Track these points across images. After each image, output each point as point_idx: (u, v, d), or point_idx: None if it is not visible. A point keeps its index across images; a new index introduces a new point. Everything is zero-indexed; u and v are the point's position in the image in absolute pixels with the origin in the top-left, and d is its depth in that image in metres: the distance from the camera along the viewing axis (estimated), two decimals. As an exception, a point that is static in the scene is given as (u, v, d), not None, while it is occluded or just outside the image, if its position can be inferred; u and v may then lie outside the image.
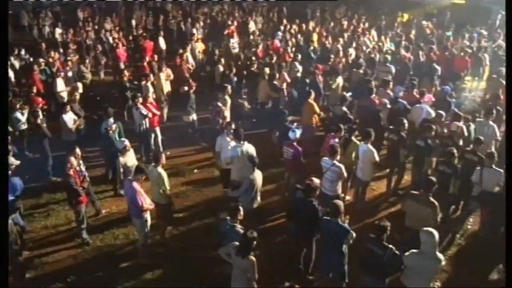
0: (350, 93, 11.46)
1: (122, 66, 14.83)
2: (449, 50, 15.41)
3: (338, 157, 7.91)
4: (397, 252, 5.67)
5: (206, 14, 22.40)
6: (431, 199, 6.78)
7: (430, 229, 5.56)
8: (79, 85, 12.22)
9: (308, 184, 6.80)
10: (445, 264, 7.17)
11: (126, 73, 12.86)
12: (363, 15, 22.28)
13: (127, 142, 8.58)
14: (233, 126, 8.82)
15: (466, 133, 9.35)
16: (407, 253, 5.62)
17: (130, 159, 8.56)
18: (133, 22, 20.72)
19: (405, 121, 9.07)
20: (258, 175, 7.52)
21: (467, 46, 16.27)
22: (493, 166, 7.79)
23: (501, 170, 7.70)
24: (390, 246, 5.68)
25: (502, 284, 6.16)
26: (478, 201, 8.02)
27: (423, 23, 20.53)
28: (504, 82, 12.50)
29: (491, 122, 9.50)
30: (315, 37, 17.27)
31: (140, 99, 10.34)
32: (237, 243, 5.67)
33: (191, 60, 14.64)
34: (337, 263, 6.32)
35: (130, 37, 17.95)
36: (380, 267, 5.80)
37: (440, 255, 5.54)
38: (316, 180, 6.97)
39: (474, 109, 11.07)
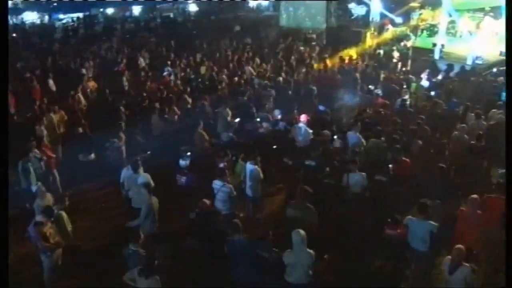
0: (238, 119, 12.50)
1: (12, 111, 14.72)
2: (328, 71, 16.99)
3: (228, 179, 8.83)
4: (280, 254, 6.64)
5: (95, 52, 22.52)
6: (308, 204, 7.88)
7: (297, 230, 6.61)
8: None
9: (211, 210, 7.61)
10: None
11: (16, 118, 12.86)
12: (247, 44, 23.57)
13: (40, 184, 8.92)
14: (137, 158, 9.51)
15: (338, 145, 10.66)
16: (284, 253, 6.59)
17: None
18: (19, 65, 20.27)
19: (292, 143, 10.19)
20: (154, 201, 8.20)
21: (339, 66, 18.07)
22: (357, 171, 9.09)
23: (363, 173, 9.02)
24: (274, 248, 6.63)
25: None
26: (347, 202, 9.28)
27: (301, 48, 22.18)
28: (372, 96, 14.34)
29: (357, 134, 10.92)
30: (203, 69, 18.18)
31: (34, 143, 10.58)
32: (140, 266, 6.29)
33: (83, 100, 14.91)
34: (246, 275, 7.11)
35: (18, 81, 17.76)
36: (267, 268, 6.72)
37: (310, 250, 6.57)
38: (207, 201, 7.80)
39: (350, 123, 12.39)
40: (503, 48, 20.48)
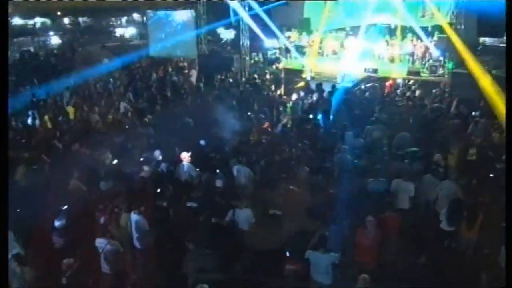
0: (115, 161, 11.68)
1: None
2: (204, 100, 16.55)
3: (113, 234, 8.07)
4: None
5: None
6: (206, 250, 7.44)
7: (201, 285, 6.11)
8: None
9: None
10: None
11: None
12: (118, 78, 22.27)
13: None
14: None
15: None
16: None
17: None
18: None
19: (170, 187, 9.56)
20: (26, 272, 7.21)
21: (215, 94, 17.84)
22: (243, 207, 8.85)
23: (249, 209, 8.86)
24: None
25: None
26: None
27: (174, 78, 21.54)
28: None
29: (243, 167, 10.65)
30: (70, 109, 16.85)
31: None
32: None
33: None
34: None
35: None
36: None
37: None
38: (68, 261, 7.07)
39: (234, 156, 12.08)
40: (366, 65, 21.96)
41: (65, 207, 9.40)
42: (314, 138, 12.74)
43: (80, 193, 9.98)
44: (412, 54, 23.04)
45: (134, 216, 8.69)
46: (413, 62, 22.93)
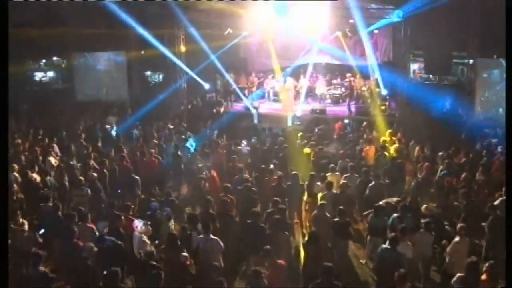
0: (42, 230, 9.43)
1: None
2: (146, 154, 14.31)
3: None
4: None
5: None
6: None
7: None
8: None
9: None
10: None
11: None
12: (40, 127, 19.23)
13: None
14: None
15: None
16: None
17: None
18: None
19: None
20: None
21: (155, 144, 15.73)
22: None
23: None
24: None
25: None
26: None
27: (107, 127, 19.05)
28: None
29: (210, 236, 8.72)
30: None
31: None
32: None
33: None
34: None
35: None
36: None
37: None
38: None
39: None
40: (312, 106, 20.99)
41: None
42: (282, 193, 11.08)
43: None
44: (356, 93, 22.34)
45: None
46: (359, 101, 22.26)
